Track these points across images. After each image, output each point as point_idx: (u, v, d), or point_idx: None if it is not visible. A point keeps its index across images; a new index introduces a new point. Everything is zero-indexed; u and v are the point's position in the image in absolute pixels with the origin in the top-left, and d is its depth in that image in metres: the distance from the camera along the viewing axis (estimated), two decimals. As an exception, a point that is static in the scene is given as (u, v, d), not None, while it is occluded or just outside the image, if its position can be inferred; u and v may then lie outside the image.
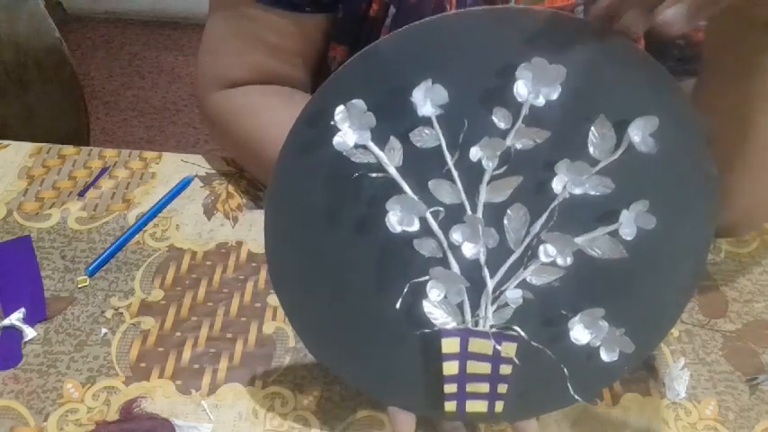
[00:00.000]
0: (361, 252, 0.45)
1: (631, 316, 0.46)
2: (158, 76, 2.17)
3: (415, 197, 0.43)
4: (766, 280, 0.66)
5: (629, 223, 0.43)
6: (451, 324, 0.45)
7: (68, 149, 0.75)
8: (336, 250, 0.45)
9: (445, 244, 0.44)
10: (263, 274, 0.64)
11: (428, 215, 0.43)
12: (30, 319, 0.59)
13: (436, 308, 0.45)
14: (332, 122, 0.42)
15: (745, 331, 0.61)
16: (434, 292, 0.45)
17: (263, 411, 0.54)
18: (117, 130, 1.97)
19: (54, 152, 0.75)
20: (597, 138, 0.42)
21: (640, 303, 0.46)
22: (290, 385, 0.56)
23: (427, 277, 0.44)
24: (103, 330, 0.59)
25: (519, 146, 0.42)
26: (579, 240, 0.44)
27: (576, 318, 0.45)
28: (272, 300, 0.62)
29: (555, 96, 0.41)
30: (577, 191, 0.43)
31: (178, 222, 0.68)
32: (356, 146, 0.42)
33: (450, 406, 0.47)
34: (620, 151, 0.42)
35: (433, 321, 0.45)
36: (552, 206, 0.43)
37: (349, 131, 0.42)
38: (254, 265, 0.65)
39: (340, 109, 0.41)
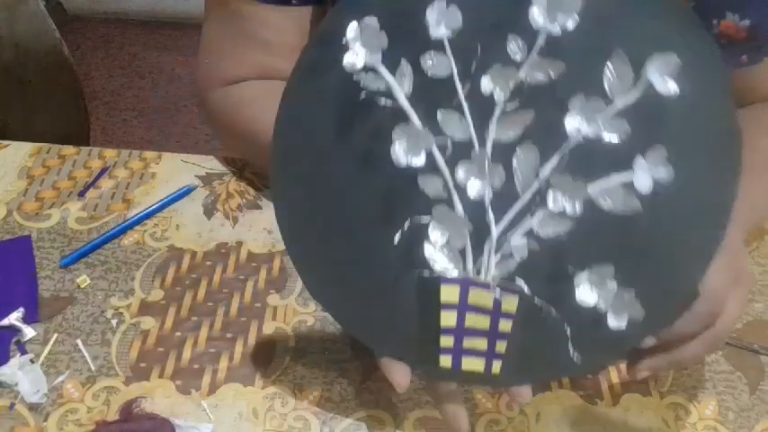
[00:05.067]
0: (364, 186, 0.43)
1: (642, 280, 0.42)
2: (158, 76, 2.17)
3: (423, 127, 0.41)
4: (766, 280, 0.66)
5: (643, 173, 0.40)
6: (452, 271, 0.43)
7: (68, 149, 0.75)
8: (340, 182, 0.44)
9: (450, 182, 0.42)
10: (263, 274, 0.64)
11: (434, 149, 0.41)
12: (27, 320, 0.59)
13: (437, 251, 0.43)
14: (344, 40, 0.40)
15: (745, 331, 0.61)
16: (436, 234, 0.43)
17: (263, 411, 0.54)
18: (117, 130, 1.97)
19: (54, 152, 0.75)
20: (613, 75, 0.40)
21: (653, 267, 0.42)
22: (290, 385, 0.56)
23: (429, 217, 0.42)
24: (104, 330, 0.59)
25: (532, 79, 0.40)
26: (591, 189, 0.41)
27: (584, 274, 0.42)
28: (272, 300, 0.62)
29: (571, 26, 0.39)
30: (591, 131, 0.40)
31: (178, 222, 0.68)
32: (366, 69, 0.41)
33: (445, 361, 0.45)
34: (637, 91, 0.40)
35: (433, 266, 0.43)
36: (564, 147, 0.41)
37: (361, 50, 0.40)
38: (254, 265, 0.65)
39: (353, 26, 0.40)
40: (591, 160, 0.41)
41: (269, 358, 0.58)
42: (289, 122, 0.44)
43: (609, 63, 0.40)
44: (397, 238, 0.43)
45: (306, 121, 0.44)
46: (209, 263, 0.65)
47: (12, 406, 0.53)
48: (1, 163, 0.73)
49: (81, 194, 0.70)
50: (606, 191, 0.41)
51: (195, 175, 0.73)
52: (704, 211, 0.42)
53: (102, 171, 0.73)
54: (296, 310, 0.61)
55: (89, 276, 0.63)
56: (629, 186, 0.40)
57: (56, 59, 0.97)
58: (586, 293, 0.42)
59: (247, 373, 0.57)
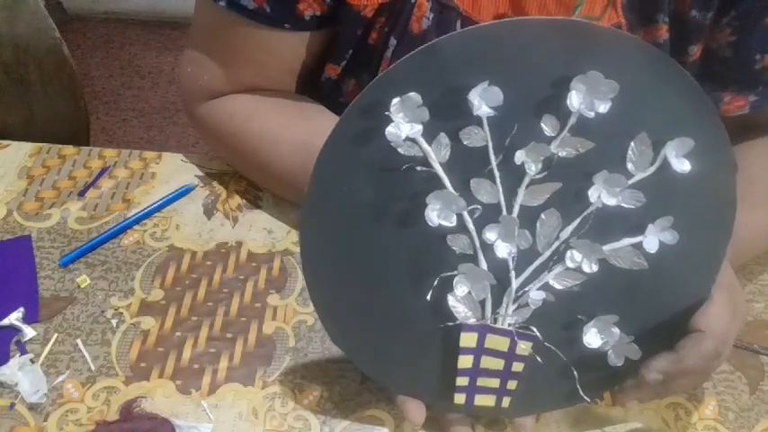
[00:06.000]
0: (396, 245, 0.46)
1: (641, 327, 0.47)
2: (158, 76, 2.17)
3: (456, 193, 0.44)
4: (766, 280, 0.66)
5: (652, 237, 0.45)
6: (472, 319, 0.46)
7: (68, 149, 0.75)
8: (372, 241, 0.46)
9: (477, 242, 0.45)
10: (263, 274, 0.64)
11: (465, 212, 0.44)
12: (28, 320, 0.59)
13: (460, 302, 0.46)
14: (387, 113, 0.42)
15: (745, 331, 0.61)
16: (460, 288, 0.46)
17: (263, 411, 0.54)
18: (117, 130, 1.97)
19: (54, 152, 0.75)
20: (636, 153, 0.43)
21: (651, 315, 0.47)
22: (290, 385, 0.56)
23: (456, 272, 0.45)
24: (104, 330, 0.59)
25: (562, 153, 0.43)
26: (605, 249, 0.45)
27: (591, 323, 0.47)
28: (272, 300, 0.62)
29: (605, 110, 0.42)
30: (611, 202, 0.44)
31: (178, 222, 0.68)
32: (405, 138, 0.43)
33: (459, 398, 0.48)
34: (654, 168, 0.44)
35: (455, 315, 0.46)
36: (585, 214, 0.44)
37: (402, 123, 0.43)
38: (254, 265, 0.65)
39: (396, 100, 0.42)
40: (607, 225, 0.45)
41: (269, 358, 0.58)
42: (327, 183, 0.46)
43: (633, 144, 0.43)
44: (429, 295, 0.46)
45: (345, 183, 0.46)
46: (209, 263, 0.65)
47: (12, 406, 0.53)
48: (1, 163, 0.73)
49: (81, 194, 0.70)
50: (617, 251, 0.45)
51: (195, 175, 0.73)
52: (698, 268, 0.47)
53: (102, 171, 0.73)
54: (296, 310, 0.61)
55: (89, 276, 0.63)
56: (638, 246, 0.45)
57: (56, 59, 0.97)
58: (593, 338, 0.47)
59: (247, 373, 0.57)
